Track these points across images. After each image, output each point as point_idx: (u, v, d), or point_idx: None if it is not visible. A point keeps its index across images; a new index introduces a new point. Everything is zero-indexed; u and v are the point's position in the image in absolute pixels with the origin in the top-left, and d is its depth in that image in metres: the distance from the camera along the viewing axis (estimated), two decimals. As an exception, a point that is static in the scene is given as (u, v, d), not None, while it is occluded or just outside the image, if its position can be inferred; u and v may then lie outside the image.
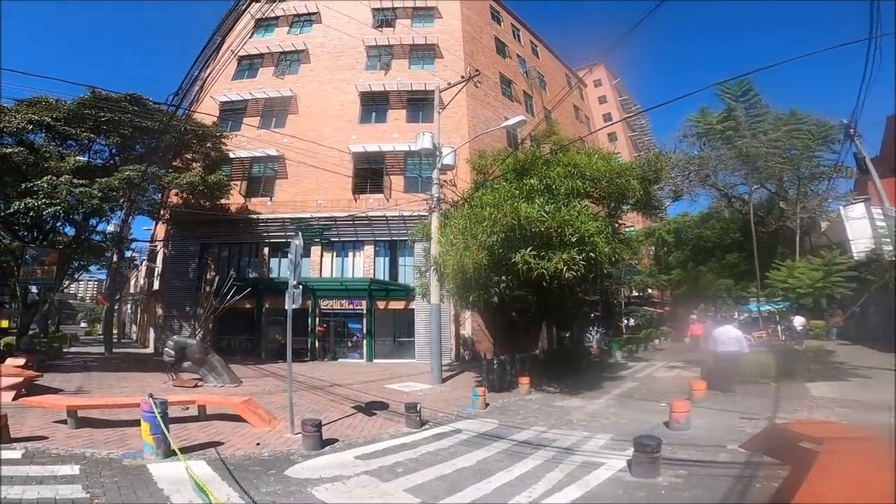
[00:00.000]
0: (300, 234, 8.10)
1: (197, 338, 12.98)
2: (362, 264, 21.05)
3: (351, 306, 20.28)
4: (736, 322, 12.41)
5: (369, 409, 9.10)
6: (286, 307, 7.36)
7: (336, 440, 6.86)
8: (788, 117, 12.99)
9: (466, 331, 19.94)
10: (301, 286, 7.51)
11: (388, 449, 6.50)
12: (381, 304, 20.28)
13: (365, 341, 20.00)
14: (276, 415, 8.02)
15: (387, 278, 20.67)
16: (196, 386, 11.57)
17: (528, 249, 9.46)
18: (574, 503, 4.49)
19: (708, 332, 13.16)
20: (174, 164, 20.11)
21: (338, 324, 20.85)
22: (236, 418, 7.70)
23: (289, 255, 7.56)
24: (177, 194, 20.83)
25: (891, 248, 10.29)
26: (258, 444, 6.59)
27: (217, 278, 18.22)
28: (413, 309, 19.34)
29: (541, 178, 10.90)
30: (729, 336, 10.17)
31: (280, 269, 21.84)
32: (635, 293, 37.10)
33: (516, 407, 9.75)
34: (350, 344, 20.59)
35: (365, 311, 20.00)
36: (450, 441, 6.96)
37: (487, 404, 9.62)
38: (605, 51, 79.62)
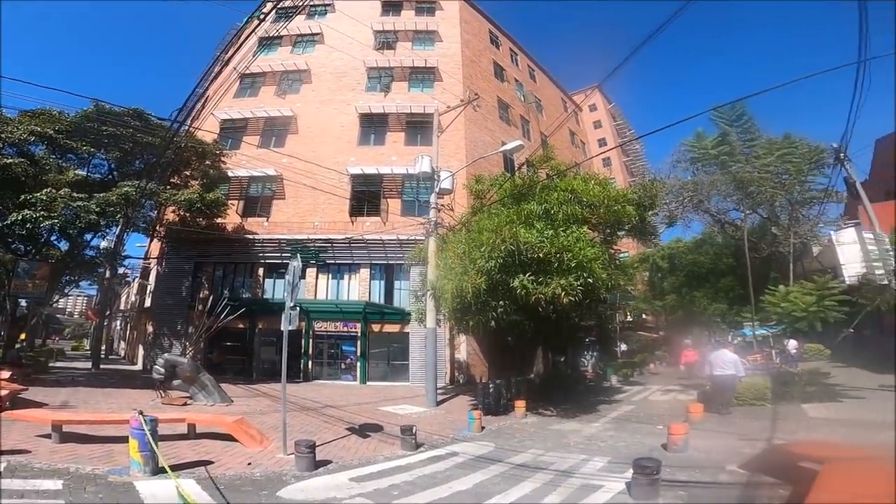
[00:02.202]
0: (298, 255, 8.09)
1: (188, 356, 12.78)
2: (357, 287, 20.94)
3: (345, 328, 20.10)
4: (732, 346, 12.42)
5: (363, 430, 8.94)
6: (282, 328, 7.31)
7: (330, 461, 6.72)
8: (781, 141, 13.27)
9: (461, 354, 19.78)
10: (297, 308, 7.47)
11: (384, 471, 6.37)
12: (375, 327, 20.11)
13: (359, 364, 19.74)
14: (269, 435, 7.86)
15: (382, 301, 20.56)
16: (185, 404, 11.34)
17: (527, 275, 9.50)
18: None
19: (704, 356, 13.14)
20: (172, 180, 20.13)
21: (332, 346, 20.65)
22: (227, 437, 7.54)
23: (286, 276, 7.55)
24: (173, 211, 20.77)
25: (882, 271, 10.43)
26: (249, 463, 6.45)
27: (211, 297, 18.06)
28: (408, 332, 19.19)
29: (539, 203, 11.04)
30: (725, 360, 10.18)
31: (275, 290, 21.66)
32: (630, 318, 37.06)
33: (512, 430, 9.62)
34: (344, 366, 20.32)
35: (359, 334, 19.81)
36: (446, 464, 6.84)
37: (483, 427, 9.49)
38: (601, 76, 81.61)
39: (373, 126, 23.54)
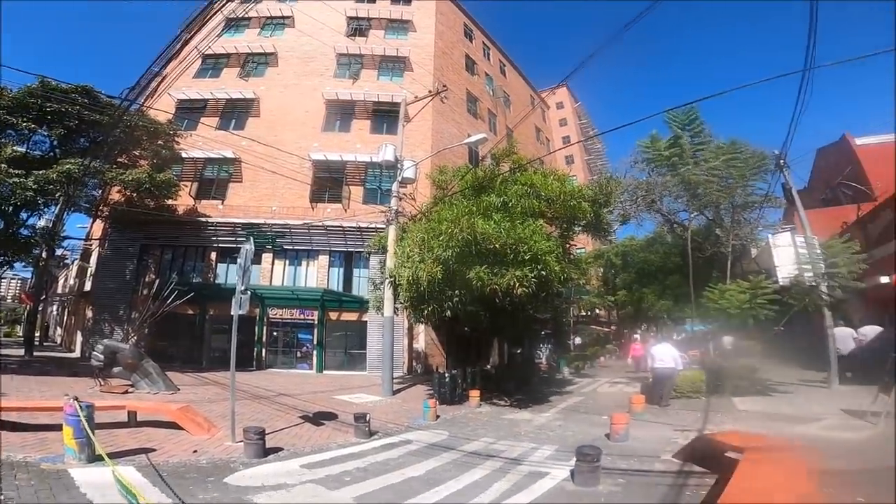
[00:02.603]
0: (251, 239, 7.88)
1: (130, 342, 12.20)
2: (315, 274, 20.59)
3: (302, 316, 19.75)
4: (672, 340, 13.12)
5: (317, 419, 8.86)
6: (232, 312, 7.11)
7: (281, 449, 6.64)
8: (727, 146, 13.96)
9: (419, 344, 19.87)
10: (249, 292, 7.28)
11: (336, 458, 6.36)
12: (333, 315, 19.88)
13: (315, 352, 19.48)
14: (217, 423, 7.66)
15: (340, 289, 20.32)
16: (126, 392, 10.84)
17: (483, 265, 9.65)
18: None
19: (647, 350, 13.82)
20: (120, 160, 19.04)
21: (287, 333, 20.25)
22: (172, 426, 7.29)
23: (238, 259, 7.33)
24: (119, 191, 19.70)
25: (810, 274, 11.26)
26: (195, 451, 6.28)
27: (157, 281, 17.29)
28: (366, 321, 19.07)
29: (499, 195, 11.19)
30: (665, 354, 10.76)
31: (228, 275, 20.94)
32: (584, 312, 38.32)
33: (466, 419, 9.80)
34: (300, 354, 19.99)
35: (316, 322, 19.53)
36: (399, 451, 6.90)
37: (438, 416, 9.61)
38: (569, 72, 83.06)
39: (339, 113, 23.15)
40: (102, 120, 16.38)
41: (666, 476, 5.46)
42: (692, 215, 17.46)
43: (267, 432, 6.70)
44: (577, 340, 33.76)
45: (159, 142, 19.20)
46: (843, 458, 5.64)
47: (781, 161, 13.04)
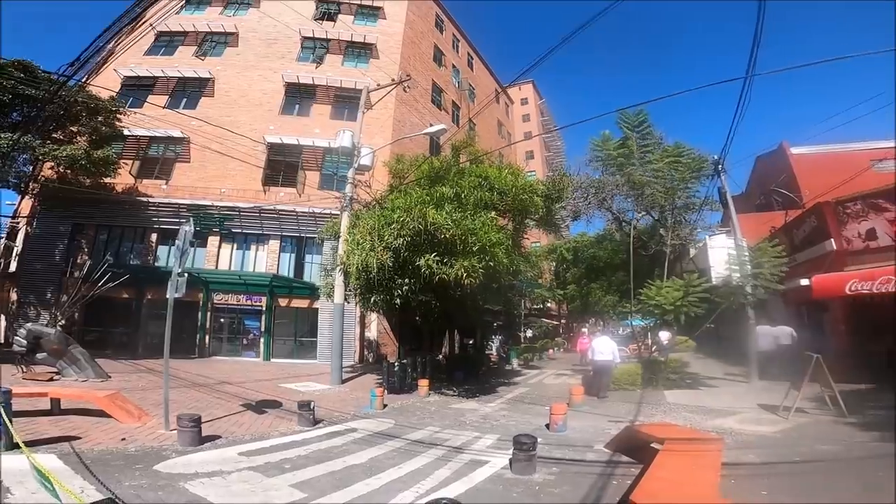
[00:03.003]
0: (191, 220, 7.55)
1: (56, 327, 11.41)
2: (266, 259, 20.00)
3: (249, 302, 19.13)
4: (612, 334, 13.76)
5: (260, 407, 8.66)
6: (168, 296, 6.81)
7: (219, 437, 6.46)
8: (671, 149, 14.60)
9: (372, 333, 19.75)
10: (186, 275, 6.97)
11: (277, 446, 6.25)
12: (283, 302, 19.39)
13: (263, 339, 18.95)
14: (150, 411, 7.36)
15: (291, 275, 19.83)
16: (51, 379, 10.15)
17: (433, 254, 9.71)
18: (457, 498, 4.64)
19: (589, 343, 14.37)
20: (55, 135, 17.68)
21: (234, 320, 19.57)
22: (100, 414, 6.92)
23: (176, 241, 7.01)
24: (52, 168, 18.33)
25: (737, 274, 12.07)
26: (123, 439, 6.04)
27: (89, 263, 16.24)
28: (318, 308, 18.72)
29: (452, 186, 11.25)
30: (605, 347, 11.23)
31: (169, 257, 19.95)
32: (536, 305, 39.32)
33: (414, 408, 9.87)
34: (246, 342, 19.39)
35: (264, 308, 18.98)
36: (343, 439, 6.87)
37: (386, 405, 9.63)
38: (539, 72, 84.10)
39: (299, 96, 22.63)
40: (38, 95, 15.33)
41: (596, 465, 5.70)
42: (639, 215, 18.26)
43: (204, 420, 6.48)
44: (528, 333, 34.67)
45: (99, 118, 17.96)
46: (753, 451, 6.05)
47: (719, 166, 13.81)
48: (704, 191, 15.88)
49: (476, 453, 6.31)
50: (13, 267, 23.10)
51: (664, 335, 16.69)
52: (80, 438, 5.97)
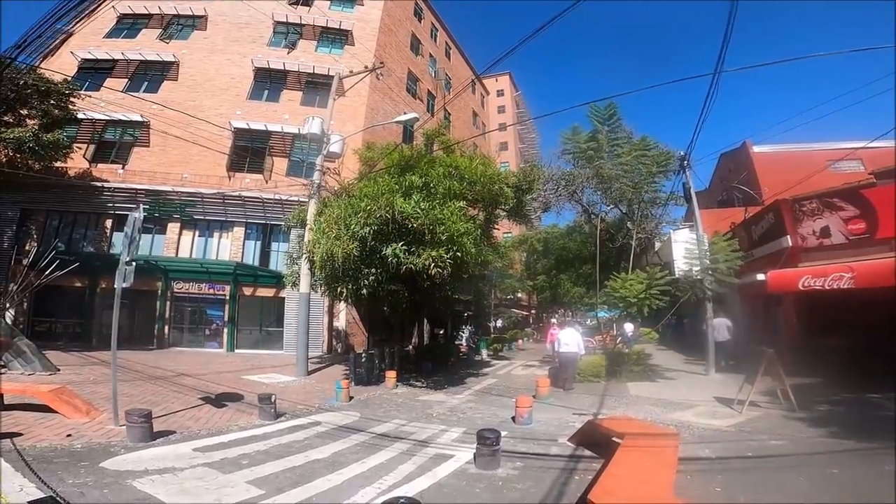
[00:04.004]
0: (141, 206, 7.18)
1: (2, 319, 10.73)
2: (230, 247, 19.35)
3: (212, 291, 18.49)
4: (578, 325, 13.92)
5: (219, 400, 8.38)
6: (115, 285, 6.46)
7: (173, 432, 6.20)
8: (638, 143, 14.82)
9: (340, 323, 19.46)
10: (134, 264, 6.59)
11: (235, 441, 6.05)
12: (247, 291, 18.84)
13: (226, 330, 18.39)
14: (100, 406, 7.00)
15: (257, 263, 19.27)
16: (-5, 374, 9.54)
17: (400, 244, 9.54)
18: (420, 494, 4.59)
19: (555, 334, 14.51)
20: (4, 118, 16.52)
21: (195, 310, 18.90)
22: (45, 409, 6.53)
23: (125, 227, 6.62)
24: None
25: (697, 268, 12.41)
26: (69, 435, 5.73)
27: (36, 250, 15.37)
28: (284, 297, 18.28)
29: (421, 175, 11.07)
30: (570, 338, 11.31)
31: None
32: (506, 296, 39.67)
33: (381, 401, 9.76)
34: (208, 332, 18.78)
35: (228, 297, 18.40)
36: (305, 433, 6.71)
37: (352, 397, 9.49)
38: (517, 64, 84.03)
39: (268, 81, 21.97)
40: None
41: (559, 460, 5.72)
42: (608, 208, 18.56)
43: (159, 415, 6.22)
44: (498, 323, 34.99)
45: (51, 101, 16.87)
46: (708, 446, 6.16)
47: (685, 162, 14.12)
48: (670, 185, 16.30)
49: (441, 447, 6.27)
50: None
51: (628, 327, 17.06)
52: (21, 435, 5.63)
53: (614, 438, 5.28)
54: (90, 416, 6.51)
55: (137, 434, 5.62)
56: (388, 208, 9.20)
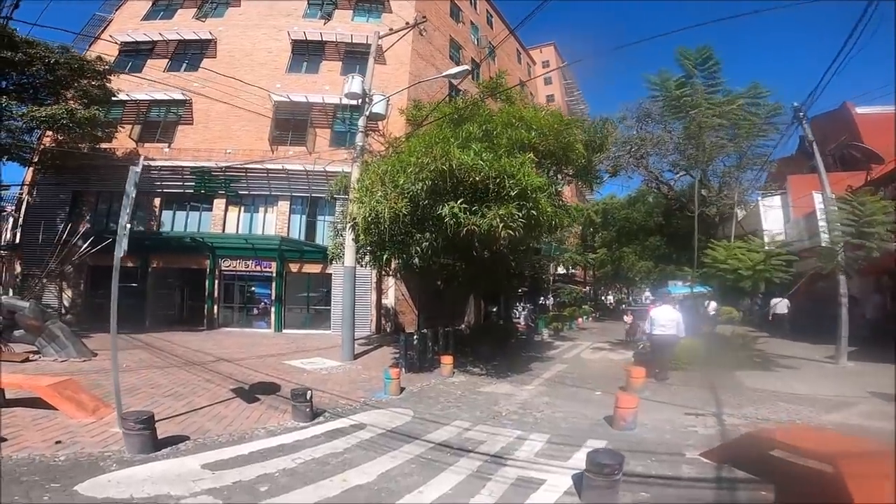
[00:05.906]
0: (142, 159, 5.99)
1: (31, 299, 10.19)
2: (275, 221, 18.64)
3: (258, 268, 17.84)
4: (675, 303, 11.66)
5: (252, 392, 7.23)
6: (115, 254, 5.34)
7: (185, 438, 5.02)
8: (746, 91, 12.31)
9: (389, 300, 18.29)
10: (128, 232, 5.45)
11: (257, 454, 4.75)
12: (294, 267, 18.04)
13: (274, 309, 17.73)
14: (113, 402, 5.95)
15: (303, 237, 18.41)
16: (27, 360, 8.95)
17: (459, 202, 7.90)
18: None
19: (641, 314, 12.43)
20: (45, 100, 16.40)
21: (243, 288, 18.39)
22: (51, 405, 5.56)
23: (126, 185, 5.43)
24: (51, 136, 17.46)
25: (828, 236, 10.00)
26: (59, 441, 4.67)
27: (84, 230, 15.19)
28: (331, 273, 17.27)
29: (480, 125, 9.26)
30: (668, 318, 9.23)
31: (175, 222, 18.92)
32: (561, 271, 37.34)
33: (436, 392, 8.30)
34: (256, 311, 18.24)
35: (274, 274, 17.68)
36: (346, 441, 5.32)
37: (402, 388, 8.11)
38: (563, 35, 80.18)
39: (307, 53, 20.98)
40: (15, 58, 14.31)
41: (703, 486, 4.02)
42: (678, 175, 16.13)
43: (178, 413, 5.12)
44: (553, 300, 32.92)
45: (85, 81, 16.47)
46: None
47: (801, 114, 11.45)
48: (774, 141, 13.64)
49: (523, 466, 4.67)
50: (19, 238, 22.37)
51: (712, 305, 14.68)
52: (6, 440, 4.63)
53: (779, 454, 3.51)
54: (97, 415, 5.49)
55: (136, 443, 4.45)
56: (443, 159, 7.50)
